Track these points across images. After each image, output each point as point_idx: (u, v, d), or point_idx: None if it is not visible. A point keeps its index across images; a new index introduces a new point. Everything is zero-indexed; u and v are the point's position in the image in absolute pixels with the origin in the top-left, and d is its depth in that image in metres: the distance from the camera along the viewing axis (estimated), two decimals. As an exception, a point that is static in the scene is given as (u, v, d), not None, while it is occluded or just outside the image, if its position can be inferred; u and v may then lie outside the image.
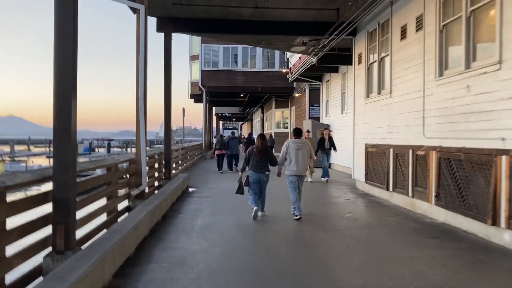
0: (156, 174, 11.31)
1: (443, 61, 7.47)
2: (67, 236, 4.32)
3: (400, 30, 9.11)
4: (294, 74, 20.67)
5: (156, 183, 11.35)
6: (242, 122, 78.13)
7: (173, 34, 12.10)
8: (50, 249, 4.40)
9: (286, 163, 7.88)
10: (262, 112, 42.47)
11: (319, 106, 24.50)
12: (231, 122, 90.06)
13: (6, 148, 65.84)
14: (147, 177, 10.21)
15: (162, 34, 11.99)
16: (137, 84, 8.14)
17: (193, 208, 8.82)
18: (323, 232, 6.82)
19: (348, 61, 14.72)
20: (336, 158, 18.99)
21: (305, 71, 19.35)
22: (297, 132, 8.05)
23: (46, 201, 4.49)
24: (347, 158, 17.19)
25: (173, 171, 14.90)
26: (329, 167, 19.99)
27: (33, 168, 34.79)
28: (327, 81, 20.82)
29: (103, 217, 6.96)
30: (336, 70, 18.72)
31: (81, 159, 59.47)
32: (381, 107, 10.24)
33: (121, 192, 8.08)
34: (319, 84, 22.47)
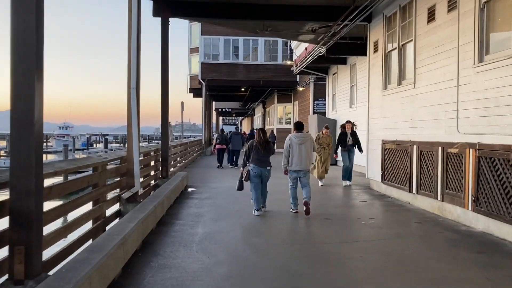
0: (152, 173, 10.30)
1: (483, 45, 6.43)
2: (28, 260, 3.30)
3: (427, 12, 8.06)
4: (299, 66, 19.60)
5: (152, 183, 10.35)
6: (242, 117, 77.00)
7: (171, 21, 11.06)
8: (6, 277, 3.37)
9: (290, 158, 7.66)
10: (264, 107, 41.40)
11: (325, 100, 23.47)
12: (231, 118, 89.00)
13: (2, 143, 64.86)
14: (140, 178, 9.22)
15: (159, 20, 10.93)
16: (129, 72, 7.12)
17: (193, 213, 7.80)
18: (346, 244, 5.80)
19: (360, 51, 13.67)
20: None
21: (311, 63, 18.28)
22: (299, 126, 7.84)
23: (2, 215, 3.47)
24: (357, 155, 16.18)
25: (172, 169, 13.89)
26: (336, 163, 19.04)
27: None
28: (333, 74, 19.77)
29: (88, 225, 5.96)
30: (344, 62, 17.66)
31: (79, 155, 58.44)
32: (402, 100, 9.21)
33: (111, 195, 7.07)
34: (325, 78, 21.42)
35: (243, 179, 7.75)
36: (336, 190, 11.07)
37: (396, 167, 9.52)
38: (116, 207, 7.13)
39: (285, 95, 30.77)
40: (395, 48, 9.68)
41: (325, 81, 21.86)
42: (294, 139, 7.61)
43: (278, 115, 31.85)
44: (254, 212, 7.51)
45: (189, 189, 10.97)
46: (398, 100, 9.40)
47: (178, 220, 7.13)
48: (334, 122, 19.08)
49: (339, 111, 18.66)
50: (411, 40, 8.79)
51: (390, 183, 9.79)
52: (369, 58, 11.42)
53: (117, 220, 6.97)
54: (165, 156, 10.69)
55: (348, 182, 11.83)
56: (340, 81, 18.51)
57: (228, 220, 7.21)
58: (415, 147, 8.50)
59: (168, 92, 10.82)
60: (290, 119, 30.82)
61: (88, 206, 5.98)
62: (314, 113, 23.34)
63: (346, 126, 11.99)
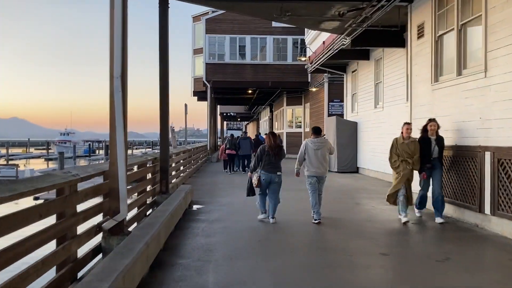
0: (148, 188, 8.36)
1: None
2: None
3: (507, -24, 6.11)
4: (315, 63, 17.67)
5: (149, 200, 8.41)
6: (247, 122, 75.12)
7: (173, 15, 9.16)
8: None
9: (306, 163, 7.48)
10: (271, 111, 39.46)
11: (341, 101, 21.53)
12: (235, 122, 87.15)
13: (4, 150, 63.20)
14: (133, 195, 7.28)
15: (157, 3, 9.04)
16: (111, 57, 5.17)
17: (200, 245, 5.84)
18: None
19: (395, 41, 11.82)
20: (367, 161, 16.01)
21: (328, 60, 16.36)
22: (316, 131, 7.70)
23: None
24: (382, 161, 14.21)
25: (174, 180, 11.97)
26: (357, 171, 17.10)
27: (24, 175, 31.89)
28: (353, 72, 17.82)
29: (51, 273, 4.03)
30: (366, 57, 15.71)
31: (81, 162, 56.62)
32: (464, 93, 7.24)
33: (89, 224, 5.12)
34: (342, 76, 19.49)
35: (254, 185, 7.42)
36: (367, 205, 9.07)
37: (455, 179, 7.54)
38: (97, 239, 5.19)
39: (295, 97, 28.82)
40: (451, 30, 7.71)
41: (342, 80, 19.93)
42: (310, 144, 7.45)
43: (287, 118, 29.89)
44: (260, 216, 7.48)
45: (195, 207, 9.03)
46: (458, 95, 7.43)
47: (180, 259, 5.17)
48: (354, 125, 17.15)
49: (361, 112, 16.69)
50: (479, 16, 6.83)
51: (445, 198, 7.79)
52: (410, 46, 9.46)
53: (100, 256, 5.05)
54: (164, 167, 8.77)
55: (418, 213, 7.97)
56: (362, 79, 16.56)
57: (249, 258, 5.24)
58: (488, 154, 6.52)
59: (168, 88, 8.90)
60: (300, 122, 28.86)
61: (51, 245, 4.07)
62: (329, 115, 21.40)
63: (429, 127, 7.45)
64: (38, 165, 47.48)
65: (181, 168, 14.14)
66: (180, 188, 9.33)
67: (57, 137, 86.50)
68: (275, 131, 34.21)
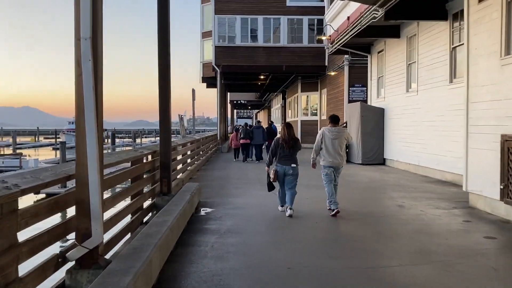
0: (145, 189, 6.77)
1: None
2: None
3: None
4: (337, 42, 15.89)
5: (147, 203, 6.85)
6: (258, 110, 73.28)
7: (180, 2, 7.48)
8: None
9: (322, 153, 7.21)
10: (283, 98, 37.67)
11: (363, 86, 19.80)
12: (245, 111, 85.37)
13: (20, 139, 62.34)
14: (103, 216, 5.68)
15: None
16: (77, 12, 3.53)
17: (208, 275, 4.24)
18: None
19: (436, 12, 10.06)
20: (396, 152, 14.29)
21: (351, 39, 14.62)
22: (334, 119, 7.33)
23: None
24: (416, 152, 12.51)
25: (180, 175, 10.42)
26: (384, 163, 15.40)
27: (28, 165, 30.66)
28: (379, 52, 15.99)
29: None
30: (396, 34, 13.89)
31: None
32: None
33: (46, 253, 3.53)
34: (365, 58, 17.68)
35: (271, 180, 7.19)
36: (411, 208, 7.39)
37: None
38: (59, 274, 3.62)
39: (310, 82, 27.00)
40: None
41: (365, 62, 18.12)
42: (327, 133, 7.15)
43: (302, 105, 28.12)
44: (279, 208, 7.31)
45: (203, 211, 7.45)
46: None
47: (180, 302, 3.58)
48: (380, 112, 15.40)
49: (389, 97, 14.91)
50: None
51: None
52: (467, 12, 7.66)
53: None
54: (166, 163, 7.16)
55: None
56: (390, 60, 14.74)
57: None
58: None
59: (169, 67, 7.24)
60: (316, 110, 27.09)
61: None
62: (350, 101, 19.68)
63: None
64: (46, 155, 46.36)
65: (188, 160, 12.55)
66: (186, 188, 7.73)
67: (66, 125, 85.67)
68: (288, 119, 32.50)
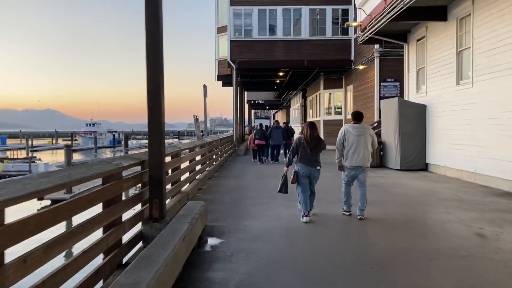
0: (124, 216, 4.82)
1: None
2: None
3: None
4: (370, 29, 13.75)
5: (131, 235, 4.92)
6: (275, 110, 71.14)
7: None
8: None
9: (344, 152, 6.69)
10: (303, 97, 35.55)
11: (396, 81, 17.67)
12: (263, 111, 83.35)
13: (40, 141, 61.73)
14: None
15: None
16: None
17: None
18: None
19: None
20: (442, 156, 12.12)
21: (385, 26, 12.55)
22: (357, 116, 6.80)
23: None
24: (472, 157, 10.32)
25: (185, 187, 8.50)
26: (426, 168, 13.20)
27: (37, 170, 29.39)
28: (419, 40, 13.80)
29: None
30: (443, 16, 11.71)
31: (107, 154, 54.36)
32: None
33: None
34: (400, 49, 15.53)
35: (289, 181, 6.66)
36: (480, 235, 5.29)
37: None
38: None
39: (334, 78, 24.84)
40: None
41: (398, 54, 16.00)
42: (351, 130, 6.67)
43: (325, 104, 25.95)
44: (302, 218, 6.39)
45: (209, 242, 5.46)
46: None
47: None
48: (422, 109, 13.22)
49: (433, 92, 12.71)
50: None
51: None
52: None
53: None
54: (157, 177, 5.20)
55: None
56: (434, 48, 12.55)
57: None
58: None
59: (161, 48, 5.28)
60: (340, 108, 24.93)
61: None
62: (381, 98, 17.53)
63: None
64: (62, 157, 45.28)
65: (198, 167, 10.60)
66: (186, 209, 5.76)
67: (83, 127, 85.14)
68: (309, 119, 30.35)
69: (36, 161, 35.59)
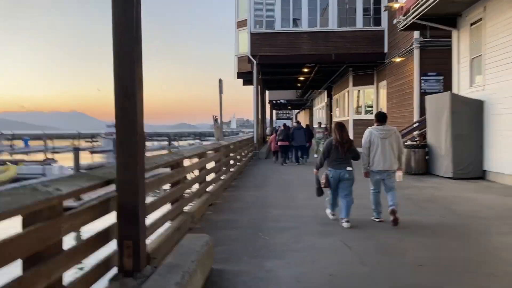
0: (65, 272, 2.97)
1: None
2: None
3: None
4: (414, 12, 11.66)
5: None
6: (298, 110, 68.96)
7: None
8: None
9: (371, 157, 6.30)
10: (329, 96, 33.40)
11: (439, 74, 15.51)
12: (285, 111, 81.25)
13: (62, 143, 61.40)
14: None
15: None
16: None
17: None
18: None
19: None
20: (505, 162, 9.94)
21: (431, 9, 10.47)
22: (382, 117, 6.50)
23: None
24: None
25: (190, 205, 6.67)
26: (483, 177, 11.03)
27: (52, 173, 28.30)
28: (472, 24, 11.61)
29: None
30: (509, -8, 9.56)
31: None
32: None
33: None
34: (443, 38, 13.45)
35: (321, 185, 6.41)
36: None
37: None
38: None
39: (364, 74, 22.66)
40: None
41: (444, 42, 13.88)
42: (375, 132, 6.35)
43: (354, 102, 23.79)
44: (330, 216, 6.51)
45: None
46: None
47: None
48: (478, 105, 11.03)
49: (492, 84, 10.51)
50: None
51: None
52: None
53: None
54: (130, 204, 3.33)
55: None
56: (494, 32, 10.36)
57: None
58: None
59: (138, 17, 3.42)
60: (371, 107, 22.74)
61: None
62: (422, 94, 15.38)
63: None
64: (83, 158, 44.41)
65: (209, 178, 8.71)
66: (180, 253, 3.85)
67: (104, 129, 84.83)
68: (336, 119, 28.22)
69: (52, 164, 34.61)
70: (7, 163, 32.73)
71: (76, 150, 20.22)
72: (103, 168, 3.87)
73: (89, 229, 3.32)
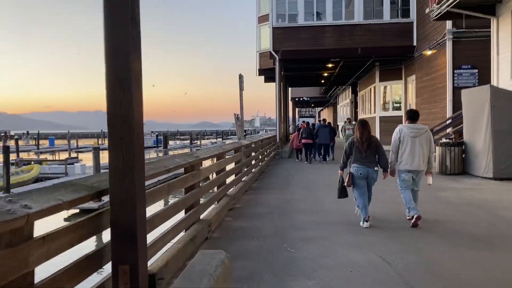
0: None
1: None
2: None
3: None
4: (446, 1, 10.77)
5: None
6: (321, 108, 67.83)
7: None
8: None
9: (398, 155, 6.14)
10: (354, 92, 32.42)
11: (474, 68, 14.54)
12: (308, 109, 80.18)
13: (75, 142, 62.27)
14: None
15: None
16: None
17: None
18: None
19: None
20: None
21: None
22: (413, 115, 6.29)
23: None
24: None
25: (207, 212, 6.09)
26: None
27: (74, 172, 28.44)
28: (515, 10, 10.67)
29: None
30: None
31: (150, 154, 53.46)
32: None
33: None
34: (481, 27, 12.42)
35: (344, 184, 6.18)
36: None
37: None
38: None
39: (391, 69, 21.69)
40: None
41: (480, 34, 12.90)
42: (406, 130, 6.11)
43: (381, 99, 22.83)
44: (362, 224, 5.91)
45: None
46: None
47: None
48: (522, 98, 10.07)
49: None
50: None
51: None
52: None
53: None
54: (126, 221, 2.71)
55: None
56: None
57: None
58: None
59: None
60: (400, 103, 21.75)
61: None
62: (455, 89, 14.45)
63: None
64: (106, 158, 44.65)
65: (229, 180, 8.09)
66: (191, 273, 3.23)
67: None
68: (362, 116, 27.24)
69: (74, 163, 34.85)
70: (32, 162, 33.05)
71: (96, 149, 19.86)
72: (99, 175, 3.28)
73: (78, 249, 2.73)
